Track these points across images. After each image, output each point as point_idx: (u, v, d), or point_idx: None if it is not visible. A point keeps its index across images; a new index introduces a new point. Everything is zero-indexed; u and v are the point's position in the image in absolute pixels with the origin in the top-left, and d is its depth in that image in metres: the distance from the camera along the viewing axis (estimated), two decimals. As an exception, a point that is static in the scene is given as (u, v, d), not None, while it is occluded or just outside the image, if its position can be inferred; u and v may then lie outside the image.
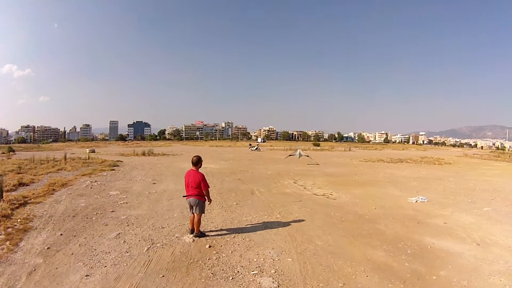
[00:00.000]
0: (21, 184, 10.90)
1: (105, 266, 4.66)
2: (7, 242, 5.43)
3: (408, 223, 7.39)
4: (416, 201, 9.91)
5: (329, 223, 7.21)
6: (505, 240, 6.33)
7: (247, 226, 6.85)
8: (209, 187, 6.01)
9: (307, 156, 24.00)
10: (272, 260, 5.03)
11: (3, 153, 31.09)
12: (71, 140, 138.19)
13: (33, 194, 9.31)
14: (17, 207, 7.71)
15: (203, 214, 6.10)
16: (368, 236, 6.38)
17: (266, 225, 6.87)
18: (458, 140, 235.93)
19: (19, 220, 6.67)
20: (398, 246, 5.84)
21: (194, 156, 6.07)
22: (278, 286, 4.23)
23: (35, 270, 4.50)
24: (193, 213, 5.96)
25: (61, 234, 5.99)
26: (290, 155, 25.86)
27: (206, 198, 5.98)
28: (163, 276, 4.42)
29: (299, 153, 23.87)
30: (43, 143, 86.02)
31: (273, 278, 4.41)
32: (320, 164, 22.33)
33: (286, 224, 7.02)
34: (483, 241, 6.25)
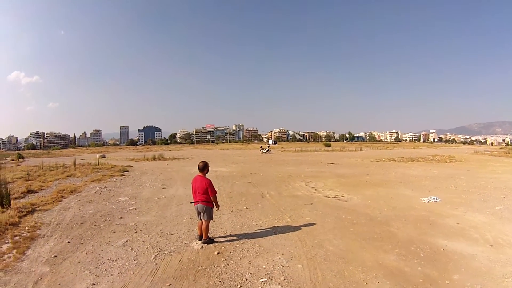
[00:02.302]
0: (29, 191, 10.91)
1: (112, 275, 4.60)
2: (14, 251, 5.42)
3: (421, 225, 7.21)
4: (428, 201, 9.69)
5: (340, 227, 7.07)
6: (518, 240, 6.13)
7: (257, 231, 6.74)
8: (216, 193, 5.93)
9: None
10: (281, 266, 4.92)
11: (13, 160, 31.52)
12: (81, 146, 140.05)
13: (41, 201, 9.27)
14: (24, 215, 7.68)
15: (211, 220, 6.03)
16: (379, 239, 6.22)
17: (276, 230, 6.76)
18: (468, 137, 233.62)
19: (26, 228, 6.66)
20: (410, 249, 5.67)
21: (201, 162, 6.02)
22: (288, 294, 4.13)
23: (41, 279, 4.47)
24: (201, 219, 5.89)
25: (68, 242, 5.95)
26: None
27: (214, 204, 5.90)
28: (170, 284, 4.34)
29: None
30: (53, 149, 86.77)
31: (282, 286, 4.30)
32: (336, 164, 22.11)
33: (297, 228, 6.90)
34: (496, 242, 6.06)
